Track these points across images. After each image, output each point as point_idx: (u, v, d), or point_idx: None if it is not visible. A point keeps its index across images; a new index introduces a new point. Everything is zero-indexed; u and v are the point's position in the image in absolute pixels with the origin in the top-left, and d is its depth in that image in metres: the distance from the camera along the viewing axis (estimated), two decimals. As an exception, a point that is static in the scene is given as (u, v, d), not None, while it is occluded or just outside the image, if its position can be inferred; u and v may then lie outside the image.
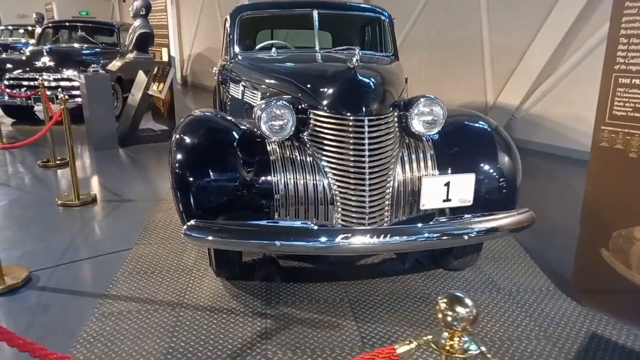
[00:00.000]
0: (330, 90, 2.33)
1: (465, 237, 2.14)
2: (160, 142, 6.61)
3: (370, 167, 2.19)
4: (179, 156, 2.33)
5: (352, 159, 2.20)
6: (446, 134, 2.42)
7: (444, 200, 2.24)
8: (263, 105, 2.32)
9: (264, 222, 2.20)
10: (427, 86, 7.30)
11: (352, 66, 2.31)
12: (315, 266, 2.95)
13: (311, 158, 2.32)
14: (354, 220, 2.23)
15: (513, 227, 2.24)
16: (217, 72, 4.63)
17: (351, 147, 2.21)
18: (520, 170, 2.43)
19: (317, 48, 3.59)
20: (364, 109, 2.19)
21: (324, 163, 2.29)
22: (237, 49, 3.78)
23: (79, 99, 7.00)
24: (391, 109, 2.32)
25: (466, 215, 2.25)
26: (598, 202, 2.39)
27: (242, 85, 3.42)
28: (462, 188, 2.23)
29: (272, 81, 2.92)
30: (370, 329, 2.32)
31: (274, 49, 3.65)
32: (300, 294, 2.63)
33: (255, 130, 2.43)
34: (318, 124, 2.33)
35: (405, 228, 2.14)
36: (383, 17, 4.00)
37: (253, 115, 2.41)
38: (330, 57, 3.23)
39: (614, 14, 2.22)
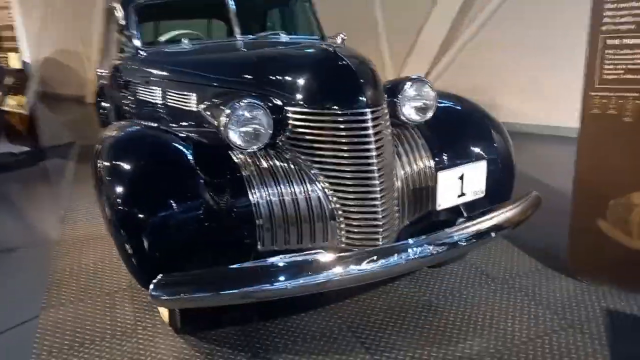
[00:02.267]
0: (316, 81, 1.84)
1: (493, 234, 1.86)
2: (26, 168, 5.45)
3: (378, 170, 1.77)
4: (119, 188, 1.69)
5: (356, 161, 1.76)
6: (434, 120, 2.10)
7: (459, 196, 1.92)
8: (228, 109, 1.77)
9: (267, 260, 1.67)
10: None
11: (332, 50, 1.86)
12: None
13: (296, 166, 1.84)
14: (363, 236, 1.80)
15: (528, 213, 2.01)
16: (103, 74, 3.79)
17: (353, 147, 1.76)
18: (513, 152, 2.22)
19: (238, 36, 3.04)
20: (364, 100, 1.75)
21: (315, 171, 1.82)
22: (137, 43, 3.06)
23: None
24: (385, 96, 1.93)
25: (482, 210, 1.96)
26: (591, 173, 2.28)
27: (161, 87, 2.74)
28: (475, 179, 1.94)
29: (218, 77, 2.31)
30: (387, 357, 1.94)
31: (186, 41, 3.02)
32: (290, 333, 2.14)
33: (212, 141, 1.88)
34: (301, 123, 1.84)
35: (439, 236, 1.77)
36: (304, -3, 3.55)
37: (209, 121, 1.85)
38: (272, 43, 2.72)
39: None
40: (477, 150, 2.04)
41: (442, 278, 2.52)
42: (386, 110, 1.87)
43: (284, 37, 3.13)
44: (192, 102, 2.41)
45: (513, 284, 2.41)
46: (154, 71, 2.86)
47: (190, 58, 2.73)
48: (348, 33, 7.28)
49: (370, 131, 1.74)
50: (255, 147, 1.82)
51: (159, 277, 1.58)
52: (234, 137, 1.79)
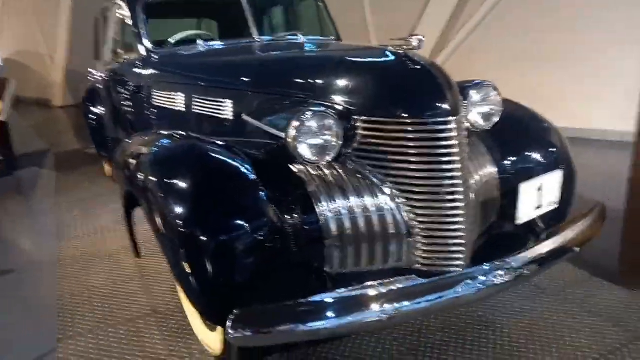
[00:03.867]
0: (392, 88, 1.67)
1: (577, 249, 1.75)
2: (0, 178, 5.05)
3: (462, 184, 1.63)
4: (177, 208, 1.48)
5: (437, 174, 1.61)
6: (497, 127, 1.98)
7: (536, 208, 1.81)
8: (296, 120, 1.59)
9: (357, 290, 1.50)
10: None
11: (406, 53, 1.70)
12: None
13: (366, 180, 1.68)
14: (443, 256, 1.66)
15: (599, 224, 1.93)
16: (95, 77, 3.49)
17: (434, 159, 1.61)
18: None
19: (255, 37, 2.85)
20: (447, 108, 1.60)
21: (388, 185, 1.67)
22: (147, 44, 2.81)
23: None
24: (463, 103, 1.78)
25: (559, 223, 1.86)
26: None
27: (183, 93, 2.50)
28: (552, 189, 1.83)
29: (265, 82, 2.09)
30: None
31: (200, 42, 2.79)
32: (345, 357, 1.98)
33: (266, 153, 1.70)
34: (374, 133, 1.67)
35: (527, 255, 1.64)
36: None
37: (265, 131, 1.67)
38: (295, 45, 2.53)
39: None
40: (550, 158, 1.94)
41: (497, 294, 2.40)
42: (464, 120, 1.73)
43: (301, 38, 2.96)
44: (227, 109, 2.20)
45: (565, 295, 2.33)
46: (172, 75, 2.62)
47: (218, 60, 2.52)
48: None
49: (454, 142, 1.60)
50: (324, 159, 1.65)
51: (235, 312, 1.38)
52: (304, 150, 1.61)
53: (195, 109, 2.42)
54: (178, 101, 2.56)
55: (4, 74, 7.51)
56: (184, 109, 2.51)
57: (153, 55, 2.79)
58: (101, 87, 3.69)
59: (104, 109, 3.73)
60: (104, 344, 2.16)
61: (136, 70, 2.95)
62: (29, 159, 5.91)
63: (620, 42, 4.80)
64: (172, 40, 2.96)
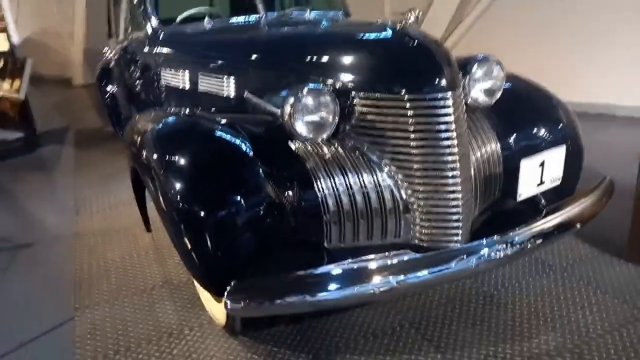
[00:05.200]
0: (389, 63, 1.67)
1: (579, 225, 1.75)
2: (22, 155, 5.20)
3: (460, 159, 1.63)
4: (178, 183, 1.52)
5: (435, 150, 1.62)
6: (500, 103, 1.96)
7: (538, 184, 1.80)
8: (292, 96, 1.61)
9: (355, 262, 1.54)
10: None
11: (404, 29, 1.69)
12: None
13: (364, 156, 1.69)
14: (441, 232, 1.67)
15: (604, 201, 1.91)
16: (109, 56, 3.53)
17: (432, 135, 1.61)
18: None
19: (261, 13, 2.83)
20: (444, 83, 1.59)
21: (386, 161, 1.68)
22: (154, 22, 2.83)
23: None
24: (461, 78, 1.77)
25: (562, 200, 1.84)
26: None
27: (188, 70, 2.53)
28: (555, 166, 1.82)
29: (267, 59, 2.11)
30: (459, 355, 1.84)
31: (207, 19, 2.80)
32: (349, 331, 2.02)
33: (265, 130, 1.73)
34: (371, 110, 1.68)
35: (534, 227, 1.65)
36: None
37: (263, 108, 1.69)
38: (306, 21, 2.52)
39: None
40: (553, 134, 1.92)
41: (500, 269, 2.41)
42: (463, 95, 1.72)
43: (309, 14, 2.94)
44: (230, 86, 2.22)
45: (572, 272, 2.32)
46: (178, 53, 2.65)
47: (222, 37, 2.53)
48: (355, 14, 7.12)
49: (452, 117, 1.60)
50: (321, 137, 1.66)
51: (232, 284, 1.43)
52: (300, 127, 1.63)
53: (201, 87, 2.45)
54: (184, 79, 2.59)
55: (20, 53, 7.64)
56: (189, 87, 2.54)
57: (160, 33, 2.81)
58: (113, 65, 3.75)
59: (116, 87, 3.79)
60: (119, 314, 2.25)
61: (144, 48, 2.99)
62: (49, 136, 6.06)
63: (631, 21, 4.66)
64: (178, 18, 2.97)
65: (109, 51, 3.65)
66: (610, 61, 4.83)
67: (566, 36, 5.13)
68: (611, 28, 4.78)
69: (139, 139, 1.81)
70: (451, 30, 5.95)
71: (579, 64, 5.09)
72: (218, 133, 1.71)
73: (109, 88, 4.05)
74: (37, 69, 11.83)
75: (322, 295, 1.46)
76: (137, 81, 3.21)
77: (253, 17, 2.86)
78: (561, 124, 1.96)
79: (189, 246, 1.50)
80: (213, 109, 2.30)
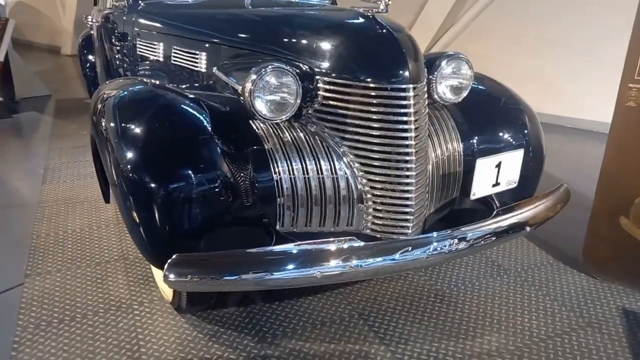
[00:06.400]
0: (355, 50, 1.65)
1: (528, 228, 1.76)
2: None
3: (416, 152, 1.63)
4: (129, 153, 1.50)
5: (392, 141, 1.61)
6: (465, 102, 1.97)
7: (493, 185, 1.81)
8: (253, 74, 1.59)
9: (297, 245, 1.53)
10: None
11: (374, 16, 1.68)
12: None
13: (323, 142, 1.69)
14: (392, 223, 1.68)
15: (558, 208, 1.92)
16: (94, 24, 3.48)
17: (390, 126, 1.61)
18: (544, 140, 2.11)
19: None
20: (407, 75, 1.59)
21: (344, 149, 1.67)
22: (134, -10, 2.79)
23: None
24: (426, 72, 1.77)
25: (515, 202, 1.86)
26: (619, 167, 2.20)
27: (163, 43, 2.49)
28: (511, 168, 1.83)
29: (237, 37, 2.07)
30: (402, 349, 1.85)
31: None
32: (298, 317, 2.03)
33: (229, 108, 1.71)
34: (333, 95, 1.67)
35: (476, 228, 1.66)
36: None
37: (228, 85, 1.67)
38: (287, 3, 2.50)
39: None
40: (514, 137, 1.92)
41: (452, 267, 2.43)
42: (425, 88, 1.72)
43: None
44: (201, 62, 2.19)
45: (526, 277, 2.35)
46: (155, 25, 2.60)
47: (199, 12, 2.49)
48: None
49: (411, 109, 1.59)
50: (281, 117, 1.65)
51: (174, 256, 1.42)
52: (260, 105, 1.61)
53: (172, 60, 2.42)
54: (158, 51, 2.55)
55: (9, 15, 7.48)
56: (163, 59, 2.51)
57: (139, 2, 2.76)
58: (95, 34, 3.69)
59: (96, 57, 3.72)
60: (70, 284, 2.22)
61: (123, 16, 2.94)
62: (29, 103, 5.97)
63: (621, 32, 4.70)
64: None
65: (92, 20, 3.58)
66: (596, 77, 4.88)
67: (555, 47, 5.17)
68: (599, 43, 4.82)
69: (100, 106, 1.78)
70: (443, 31, 5.96)
71: (564, 77, 5.13)
72: (179, 106, 1.69)
73: (90, 57, 3.98)
74: (27, 35, 11.69)
75: (264, 275, 1.45)
76: (115, 51, 3.16)
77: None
78: (524, 128, 1.97)
79: (136, 217, 1.48)
80: (184, 83, 2.27)
